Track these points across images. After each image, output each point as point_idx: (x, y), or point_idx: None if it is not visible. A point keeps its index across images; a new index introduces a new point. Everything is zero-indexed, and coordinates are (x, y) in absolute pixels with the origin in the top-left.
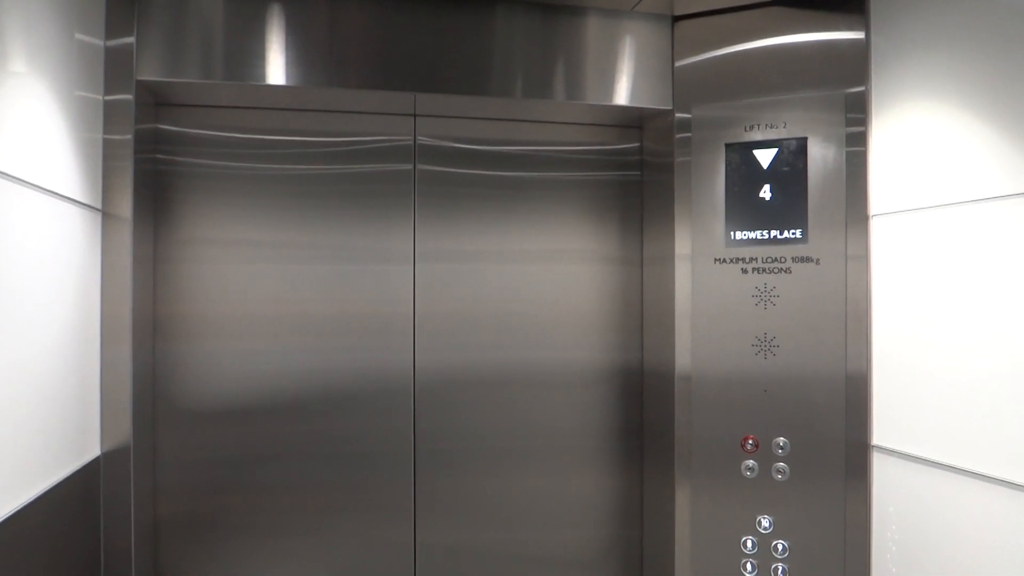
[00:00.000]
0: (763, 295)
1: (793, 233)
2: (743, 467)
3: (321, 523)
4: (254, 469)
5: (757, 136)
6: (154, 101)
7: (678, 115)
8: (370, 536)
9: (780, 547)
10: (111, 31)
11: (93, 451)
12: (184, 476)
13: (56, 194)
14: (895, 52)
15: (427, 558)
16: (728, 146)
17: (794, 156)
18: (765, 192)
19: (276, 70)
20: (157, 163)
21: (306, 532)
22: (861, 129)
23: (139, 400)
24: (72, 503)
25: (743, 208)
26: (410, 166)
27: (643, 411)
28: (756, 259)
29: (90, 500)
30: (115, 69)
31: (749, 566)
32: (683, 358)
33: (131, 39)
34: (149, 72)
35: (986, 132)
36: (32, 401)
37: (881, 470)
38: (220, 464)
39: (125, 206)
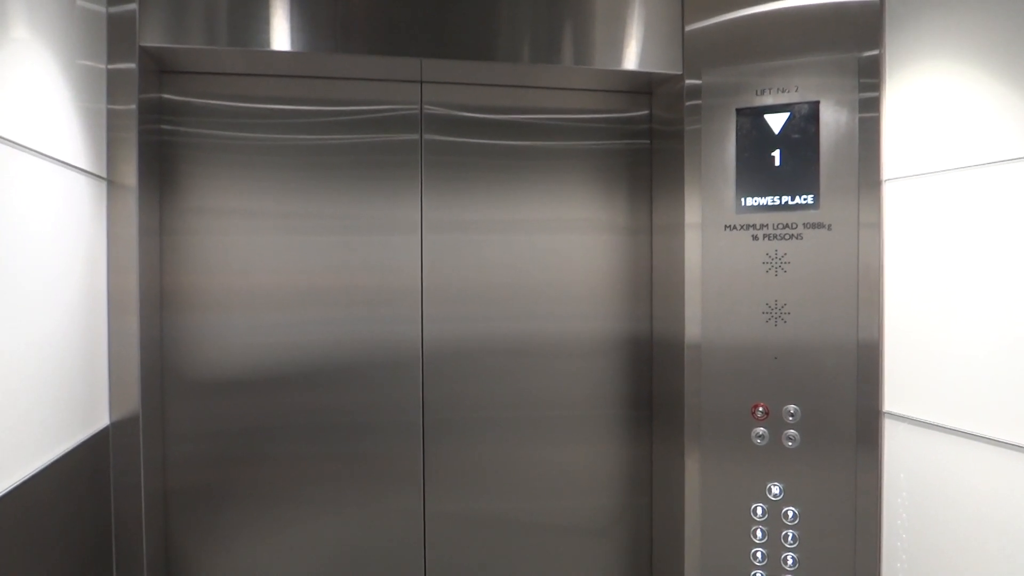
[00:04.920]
0: (774, 262)
1: (805, 199)
2: (753, 435)
3: (331, 493)
4: (263, 440)
5: (768, 101)
6: (158, 69)
7: (688, 81)
8: (379, 506)
9: (790, 514)
10: None
11: (102, 421)
12: (194, 447)
13: (61, 161)
14: (910, 13)
15: (436, 527)
16: (739, 111)
17: (806, 121)
18: (776, 158)
19: (281, 35)
20: (162, 133)
21: (315, 502)
22: (875, 94)
23: (147, 371)
24: (82, 472)
25: (754, 174)
26: (416, 135)
27: (653, 380)
28: (767, 225)
29: (100, 470)
30: (117, 36)
31: (759, 533)
32: (693, 326)
33: (133, 5)
34: (152, 38)
35: (1004, 92)
36: (39, 370)
37: (892, 436)
38: (229, 435)
39: (130, 175)
